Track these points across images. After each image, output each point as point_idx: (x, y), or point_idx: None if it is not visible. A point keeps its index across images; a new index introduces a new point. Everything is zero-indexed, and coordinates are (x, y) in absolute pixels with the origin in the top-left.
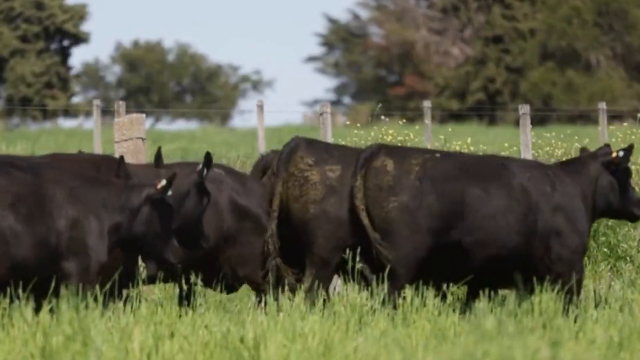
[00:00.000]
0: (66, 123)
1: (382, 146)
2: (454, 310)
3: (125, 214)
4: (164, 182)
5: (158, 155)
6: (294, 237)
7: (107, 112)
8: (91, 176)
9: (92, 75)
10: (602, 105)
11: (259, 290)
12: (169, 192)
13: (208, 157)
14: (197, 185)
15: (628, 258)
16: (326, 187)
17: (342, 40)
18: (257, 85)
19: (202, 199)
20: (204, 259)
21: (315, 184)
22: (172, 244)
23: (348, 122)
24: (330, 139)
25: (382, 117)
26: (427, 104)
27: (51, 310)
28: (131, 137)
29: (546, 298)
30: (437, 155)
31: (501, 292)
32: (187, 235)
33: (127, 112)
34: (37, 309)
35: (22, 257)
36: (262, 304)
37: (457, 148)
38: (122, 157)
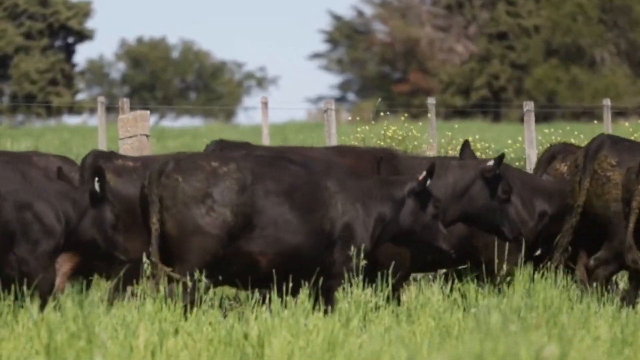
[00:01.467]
0: (70, 120)
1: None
2: (458, 307)
3: (389, 206)
4: (424, 173)
5: (465, 147)
6: (590, 229)
7: (112, 109)
8: (356, 171)
9: (97, 72)
10: (607, 102)
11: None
12: (428, 182)
13: (501, 157)
14: (486, 179)
15: None
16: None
17: (346, 37)
18: (262, 82)
19: (490, 192)
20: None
21: (617, 184)
22: (441, 232)
23: (349, 118)
24: (334, 136)
25: (383, 113)
26: (431, 100)
27: (55, 307)
28: (135, 134)
29: (551, 294)
30: None
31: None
32: (482, 224)
33: (132, 109)
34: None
35: (296, 244)
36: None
37: None
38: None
